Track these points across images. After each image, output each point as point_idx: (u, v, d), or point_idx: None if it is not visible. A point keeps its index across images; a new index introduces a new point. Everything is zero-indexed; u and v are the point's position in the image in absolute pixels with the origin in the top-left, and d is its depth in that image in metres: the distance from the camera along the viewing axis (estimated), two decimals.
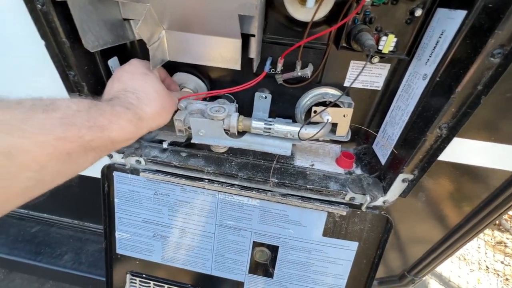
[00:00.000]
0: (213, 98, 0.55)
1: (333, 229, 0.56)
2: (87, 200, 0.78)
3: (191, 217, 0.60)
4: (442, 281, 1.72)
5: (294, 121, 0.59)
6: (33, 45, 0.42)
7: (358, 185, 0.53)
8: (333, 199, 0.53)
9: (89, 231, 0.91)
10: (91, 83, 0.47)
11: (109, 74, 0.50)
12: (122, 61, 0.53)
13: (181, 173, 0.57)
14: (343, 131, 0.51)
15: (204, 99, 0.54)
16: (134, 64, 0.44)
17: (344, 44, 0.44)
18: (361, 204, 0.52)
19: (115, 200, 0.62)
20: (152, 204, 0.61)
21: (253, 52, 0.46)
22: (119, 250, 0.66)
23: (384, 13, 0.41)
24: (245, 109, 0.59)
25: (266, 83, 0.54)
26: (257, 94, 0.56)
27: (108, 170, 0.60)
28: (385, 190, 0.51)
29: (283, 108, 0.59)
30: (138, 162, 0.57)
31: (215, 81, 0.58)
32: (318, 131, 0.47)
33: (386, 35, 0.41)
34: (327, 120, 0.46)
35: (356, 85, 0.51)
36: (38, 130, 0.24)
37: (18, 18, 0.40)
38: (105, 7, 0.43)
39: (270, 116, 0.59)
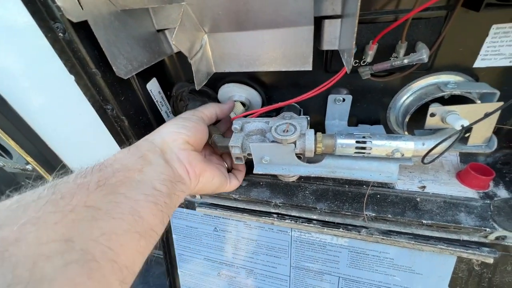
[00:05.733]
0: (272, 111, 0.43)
1: (467, 281, 0.38)
2: None
3: (259, 257, 0.49)
4: None
5: (388, 130, 0.43)
6: (64, 81, 0.35)
7: (510, 217, 0.34)
8: (466, 238, 0.36)
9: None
10: (131, 115, 0.39)
11: (150, 101, 0.42)
12: (163, 83, 0.45)
13: (242, 207, 0.46)
14: (480, 138, 0.33)
15: (264, 114, 0.42)
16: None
17: (495, 1, 0.26)
18: None
19: (173, 236, 0.56)
20: (212, 241, 0.52)
21: (331, 41, 0.32)
22: None
23: None
24: (312, 118, 0.45)
25: (341, 81, 0.39)
26: (331, 97, 0.42)
27: None
28: None
29: (366, 112, 0.43)
30: (193, 195, 0.49)
31: (271, 88, 0.46)
32: (449, 146, 0.30)
33: None
34: (462, 126, 0.29)
35: (499, 63, 0.33)
36: None
37: (45, 55, 0.34)
38: (134, 19, 0.34)
39: (348, 124, 0.44)
